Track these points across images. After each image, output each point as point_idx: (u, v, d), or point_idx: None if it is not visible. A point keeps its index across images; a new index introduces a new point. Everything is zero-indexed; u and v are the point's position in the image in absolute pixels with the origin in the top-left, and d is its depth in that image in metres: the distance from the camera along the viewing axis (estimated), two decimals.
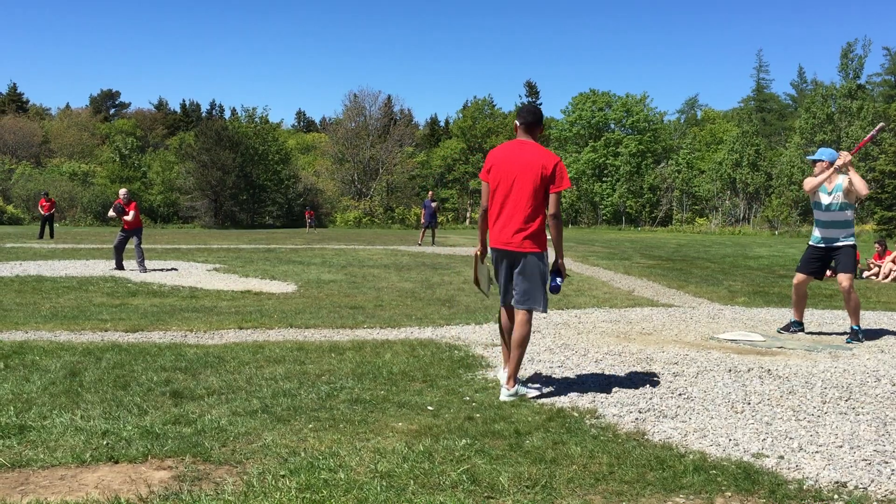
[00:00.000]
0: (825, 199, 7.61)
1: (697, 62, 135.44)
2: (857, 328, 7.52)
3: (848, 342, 7.35)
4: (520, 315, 5.10)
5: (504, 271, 5.18)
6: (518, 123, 5.18)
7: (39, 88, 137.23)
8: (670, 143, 67.66)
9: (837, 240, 7.61)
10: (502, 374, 5.22)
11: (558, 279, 5.14)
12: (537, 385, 5.27)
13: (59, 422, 4.29)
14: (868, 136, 7.73)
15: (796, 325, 7.93)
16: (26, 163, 61.52)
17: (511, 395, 4.98)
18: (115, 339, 7.00)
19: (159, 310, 9.14)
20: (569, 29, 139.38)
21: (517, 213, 5.01)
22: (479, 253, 5.45)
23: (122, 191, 15.20)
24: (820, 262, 7.81)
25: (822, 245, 7.71)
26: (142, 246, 14.63)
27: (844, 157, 7.52)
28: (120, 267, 14.35)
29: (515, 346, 5.07)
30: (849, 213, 7.60)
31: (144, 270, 14.05)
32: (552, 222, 5.05)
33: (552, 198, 4.99)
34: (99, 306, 9.40)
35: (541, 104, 78.23)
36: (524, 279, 5.06)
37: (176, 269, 14.69)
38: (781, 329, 7.98)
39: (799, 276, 7.88)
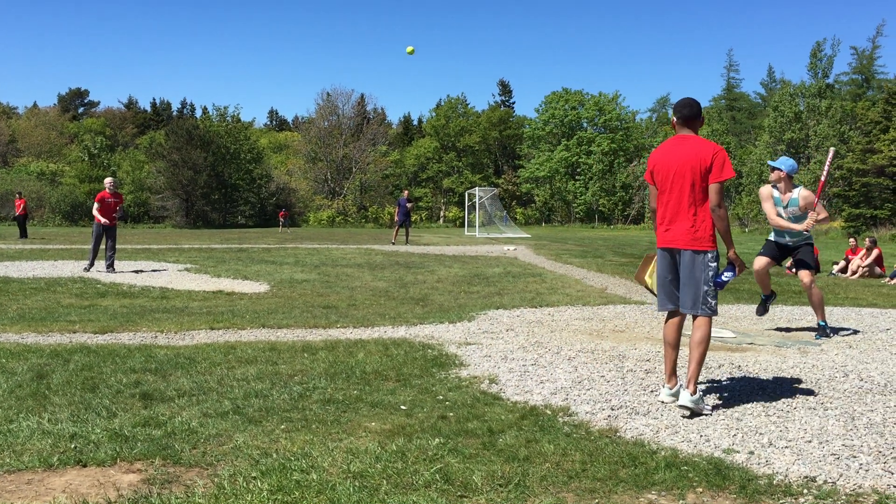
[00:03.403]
0: (782, 213, 7.63)
1: (669, 61, 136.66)
2: (823, 324, 7.62)
3: (817, 339, 7.44)
4: (696, 320, 4.83)
5: (670, 273, 4.95)
6: (675, 119, 4.97)
7: (6, 87, 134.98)
8: (642, 142, 68.18)
9: (796, 241, 7.73)
10: (665, 391, 4.93)
11: (725, 274, 4.83)
12: (711, 405, 4.85)
13: (26, 425, 4.21)
14: (825, 169, 7.73)
15: (765, 299, 7.93)
16: None
17: (693, 402, 4.61)
18: (84, 341, 6.90)
19: (129, 311, 9.03)
20: (541, 28, 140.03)
21: (681, 210, 4.80)
22: (653, 255, 5.27)
23: (109, 180, 14.62)
24: (780, 250, 7.88)
25: (782, 242, 7.81)
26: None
27: (812, 217, 7.43)
28: (92, 265, 14.11)
29: (695, 345, 4.78)
30: (805, 222, 7.62)
31: (113, 271, 13.86)
32: (714, 214, 4.73)
33: (712, 189, 4.71)
34: (67, 307, 9.27)
35: (514, 103, 78.81)
36: (691, 281, 4.80)
37: (144, 270, 14.52)
38: (758, 311, 7.98)
39: (759, 261, 7.82)
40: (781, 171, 7.53)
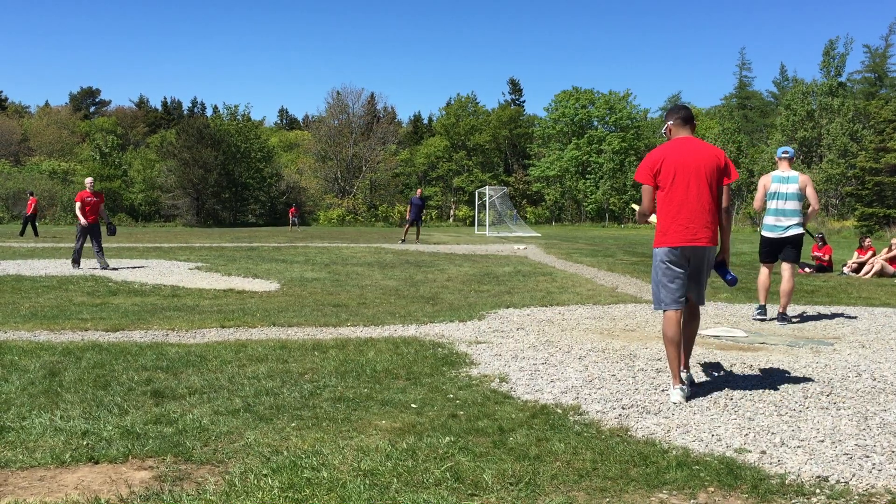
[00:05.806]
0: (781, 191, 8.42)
1: (680, 60, 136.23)
2: (782, 312, 8.34)
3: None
4: (695, 309, 5.25)
5: (686, 269, 5.05)
6: (671, 123, 5.14)
7: (18, 86, 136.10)
8: (653, 141, 67.96)
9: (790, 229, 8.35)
10: (676, 392, 4.90)
11: (731, 273, 5.19)
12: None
13: (39, 422, 4.24)
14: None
15: (762, 309, 8.59)
16: (5, 161, 60.99)
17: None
18: (96, 339, 6.93)
19: (140, 309, 9.06)
20: (551, 26, 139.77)
21: (703, 208, 4.95)
22: None
23: (89, 180, 14.97)
24: (775, 246, 8.55)
25: (777, 235, 8.46)
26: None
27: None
28: (77, 263, 14.26)
29: (694, 334, 5.29)
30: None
31: (108, 266, 14.12)
32: (728, 214, 5.12)
33: (725, 190, 5.07)
34: (79, 305, 9.31)
35: (524, 102, 78.75)
36: (705, 275, 5.14)
37: (146, 267, 14.57)
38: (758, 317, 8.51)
39: (764, 271, 8.69)
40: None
